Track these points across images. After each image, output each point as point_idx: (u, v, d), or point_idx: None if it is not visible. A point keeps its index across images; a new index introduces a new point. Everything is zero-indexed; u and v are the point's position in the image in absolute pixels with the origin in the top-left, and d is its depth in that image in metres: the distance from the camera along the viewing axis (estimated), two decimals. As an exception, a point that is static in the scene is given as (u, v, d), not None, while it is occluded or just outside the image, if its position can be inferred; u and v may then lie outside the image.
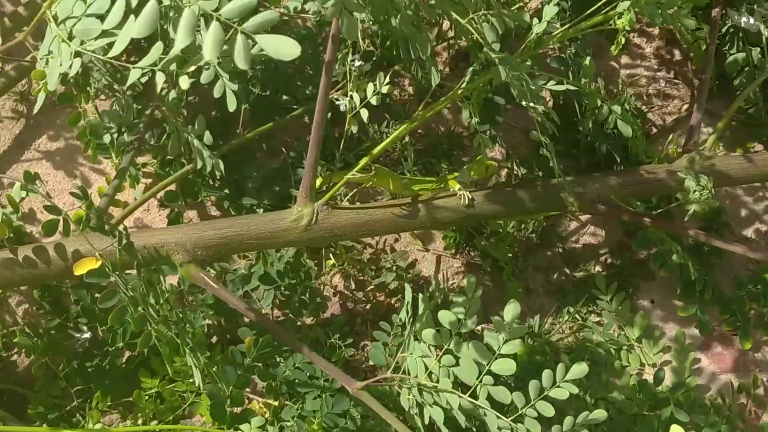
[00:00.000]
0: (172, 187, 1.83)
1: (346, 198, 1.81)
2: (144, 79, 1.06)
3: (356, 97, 1.47)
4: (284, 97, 1.89)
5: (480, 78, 1.44)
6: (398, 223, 1.56)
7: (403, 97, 2.00)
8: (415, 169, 1.91)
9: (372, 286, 1.90)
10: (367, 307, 1.91)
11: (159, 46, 0.91)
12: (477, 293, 1.41)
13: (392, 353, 1.64)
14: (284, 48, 0.78)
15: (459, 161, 1.96)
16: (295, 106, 1.87)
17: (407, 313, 1.49)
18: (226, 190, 1.86)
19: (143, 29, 0.81)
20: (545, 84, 1.37)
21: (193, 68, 1.00)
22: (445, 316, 1.38)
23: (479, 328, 1.87)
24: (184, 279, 1.61)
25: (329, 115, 1.87)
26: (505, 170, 1.97)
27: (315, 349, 1.58)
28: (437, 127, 1.98)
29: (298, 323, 1.82)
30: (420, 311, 1.45)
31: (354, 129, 1.48)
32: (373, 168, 1.54)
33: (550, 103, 1.94)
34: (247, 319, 1.69)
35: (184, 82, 0.94)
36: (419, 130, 1.97)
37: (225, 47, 0.80)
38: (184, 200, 1.87)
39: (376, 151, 1.49)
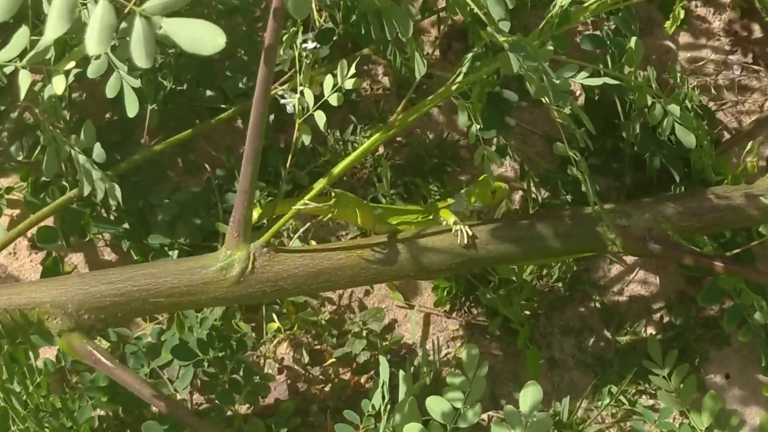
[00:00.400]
0: (49, 221, 1.81)
1: (296, 235, 1.80)
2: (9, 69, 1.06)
3: (309, 94, 1.47)
4: (208, 92, 1.90)
5: (482, 68, 1.45)
6: (369, 270, 1.55)
7: (375, 91, 2.01)
8: (393, 194, 1.90)
9: (333, 360, 1.89)
10: (327, 388, 1.89)
11: (23, 33, 0.90)
12: (481, 371, 1.42)
13: (362, 455, 1.63)
14: (203, 38, 0.78)
15: (455, 182, 1.96)
16: (223, 106, 1.87)
17: (382, 398, 1.49)
18: (126, 225, 1.85)
19: (2, 11, 0.80)
20: (574, 76, 1.38)
21: (72, 64, 0.99)
22: (437, 404, 1.38)
23: (485, 417, 1.86)
24: (66, 353, 1.59)
25: (271, 118, 1.88)
26: (520, 194, 1.97)
27: (252, 452, 1.56)
28: (424, 133, 1.99)
29: (229, 413, 1.80)
30: (401, 396, 1.44)
31: (306, 139, 1.49)
32: (332, 194, 1.53)
33: (581, 100, 1.95)
34: (155, 409, 1.67)
35: (59, 85, 0.92)
36: (399, 138, 1.98)
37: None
38: (65, 240, 1.85)
39: (336, 170, 1.49)
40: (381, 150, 1.96)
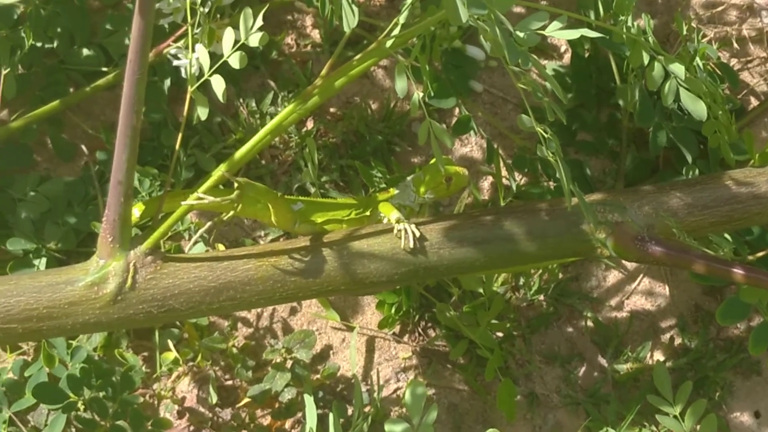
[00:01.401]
0: None
1: (194, 239, 1.77)
2: None
3: (204, 54, 1.46)
4: (85, 51, 1.90)
5: (427, 18, 1.42)
6: (287, 284, 1.53)
7: (302, 48, 2.01)
8: (326, 182, 1.91)
9: (248, 399, 1.88)
10: (240, 437, 1.90)
11: None
12: (430, 416, 1.42)
13: None
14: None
15: (406, 165, 1.96)
16: (104, 69, 1.89)
17: (310, 449, 1.50)
18: (-23, 226, 1.87)
19: None
20: (542, 29, 1.34)
21: None
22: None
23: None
24: None
25: (167, 84, 1.89)
26: (489, 180, 1.98)
27: None
28: (365, 102, 1.98)
29: (113, 470, 1.81)
30: (332, 446, 1.46)
31: (202, 113, 1.48)
32: (236, 184, 1.50)
33: (567, 58, 1.97)
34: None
35: None
36: (333, 110, 1.98)
37: None
38: None
39: (239, 154, 1.48)
40: (310, 125, 1.95)
